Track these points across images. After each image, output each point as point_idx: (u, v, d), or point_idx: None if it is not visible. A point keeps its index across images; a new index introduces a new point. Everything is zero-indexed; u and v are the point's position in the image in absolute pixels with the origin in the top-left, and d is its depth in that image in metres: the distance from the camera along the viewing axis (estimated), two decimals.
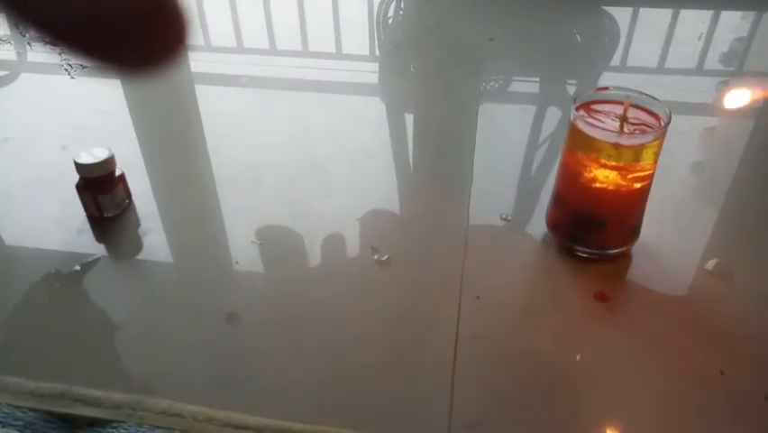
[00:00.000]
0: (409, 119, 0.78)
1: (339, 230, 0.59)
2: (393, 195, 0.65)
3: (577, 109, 0.49)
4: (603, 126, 0.48)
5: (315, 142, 0.72)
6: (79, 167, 0.57)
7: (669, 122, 0.47)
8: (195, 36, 0.96)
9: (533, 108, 0.79)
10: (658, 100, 0.49)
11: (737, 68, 0.91)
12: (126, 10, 0.15)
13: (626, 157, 0.48)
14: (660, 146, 0.48)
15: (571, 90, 0.85)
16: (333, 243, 0.58)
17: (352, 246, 0.58)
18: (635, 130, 0.48)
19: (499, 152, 0.70)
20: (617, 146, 0.47)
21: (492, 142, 0.71)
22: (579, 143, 0.49)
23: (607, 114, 0.50)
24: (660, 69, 0.90)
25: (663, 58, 0.92)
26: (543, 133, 0.74)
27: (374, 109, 0.81)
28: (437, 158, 0.71)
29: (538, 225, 0.58)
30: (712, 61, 0.90)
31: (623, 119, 0.49)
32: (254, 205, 0.62)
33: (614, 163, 0.48)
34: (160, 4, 0.16)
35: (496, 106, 0.81)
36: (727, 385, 0.45)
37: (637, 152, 0.48)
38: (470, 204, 0.62)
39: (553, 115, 0.77)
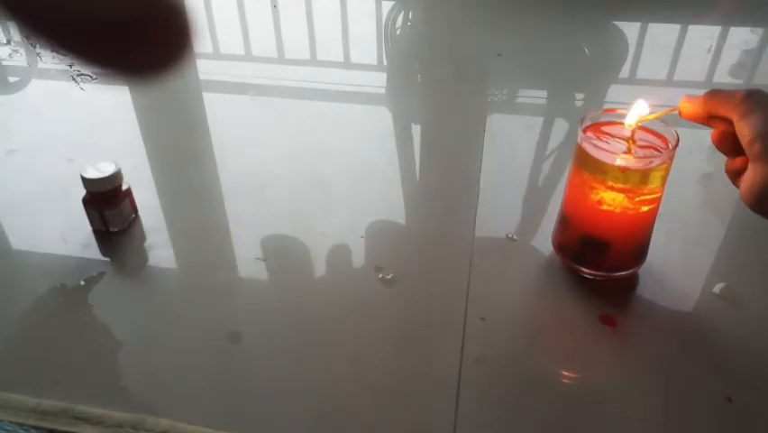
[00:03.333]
0: (416, 131, 0.78)
1: (344, 247, 0.59)
2: (398, 211, 0.64)
3: (584, 131, 0.49)
4: (609, 149, 0.48)
5: (320, 154, 0.72)
6: (86, 181, 0.57)
7: (677, 145, 0.47)
8: (200, 41, 0.97)
9: (540, 122, 0.79)
10: (666, 123, 0.48)
11: (746, 80, 0.90)
12: (130, 15, 0.15)
13: (634, 180, 0.47)
14: (668, 169, 0.48)
15: (579, 104, 0.85)
16: (338, 260, 0.58)
17: (357, 264, 0.57)
18: (643, 156, 0.48)
19: (506, 167, 0.70)
20: (623, 169, 0.47)
21: (499, 157, 0.71)
22: (585, 165, 0.49)
23: (614, 135, 0.50)
24: (669, 82, 0.89)
25: (672, 71, 0.92)
26: (550, 148, 0.74)
27: (381, 120, 0.81)
28: (443, 173, 0.71)
29: (544, 246, 0.57)
30: (721, 74, 0.90)
31: (630, 141, 0.49)
32: (259, 219, 0.62)
33: (621, 186, 0.48)
34: (164, 9, 0.16)
35: (503, 120, 0.81)
36: (735, 413, 0.44)
37: (645, 174, 0.47)
38: (476, 222, 0.61)
39: (561, 129, 0.77)
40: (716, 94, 0.42)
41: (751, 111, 0.39)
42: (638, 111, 0.47)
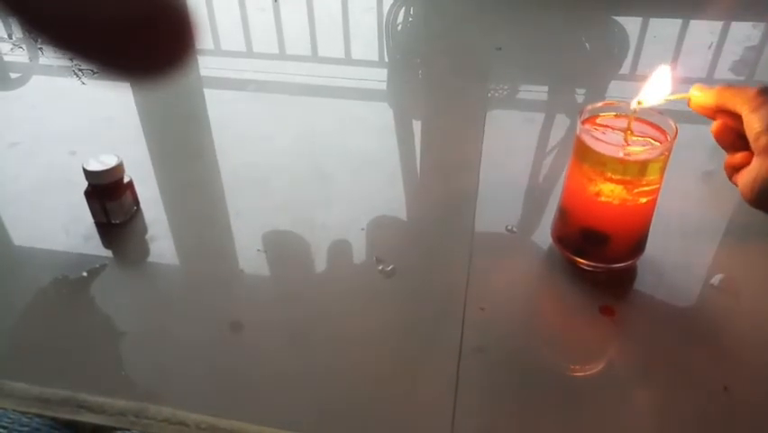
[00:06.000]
0: (416, 126, 0.78)
1: (344, 239, 0.59)
2: (399, 204, 0.65)
3: (582, 123, 0.49)
4: (608, 140, 0.48)
5: (321, 149, 0.72)
6: (88, 174, 0.57)
7: (675, 137, 0.47)
8: (203, 40, 0.97)
9: (541, 117, 0.79)
10: (663, 114, 0.49)
11: (748, 76, 0.90)
12: (134, 14, 0.15)
13: (632, 171, 0.48)
14: (666, 161, 0.48)
15: (580, 99, 0.85)
16: (338, 252, 0.58)
17: (358, 256, 0.58)
18: (641, 146, 0.48)
19: (506, 161, 0.70)
20: (622, 160, 0.47)
21: (499, 151, 0.71)
22: (584, 156, 0.49)
23: (612, 127, 0.50)
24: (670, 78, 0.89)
25: (674, 66, 0.92)
26: (550, 142, 0.74)
27: (381, 115, 0.81)
28: (443, 166, 0.71)
29: (544, 238, 0.58)
30: (723, 70, 0.90)
31: (627, 133, 0.49)
32: (261, 211, 0.63)
33: (619, 177, 0.48)
34: (168, 9, 0.16)
35: (503, 115, 0.81)
36: (731, 401, 0.45)
37: (643, 166, 0.47)
38: (476, 215, 0.61)
39: (561, 124, 0.77)
40: (729, 87, 0.42)
41: (763, 105, 0.39)
42: (658, 82, 0.47)
